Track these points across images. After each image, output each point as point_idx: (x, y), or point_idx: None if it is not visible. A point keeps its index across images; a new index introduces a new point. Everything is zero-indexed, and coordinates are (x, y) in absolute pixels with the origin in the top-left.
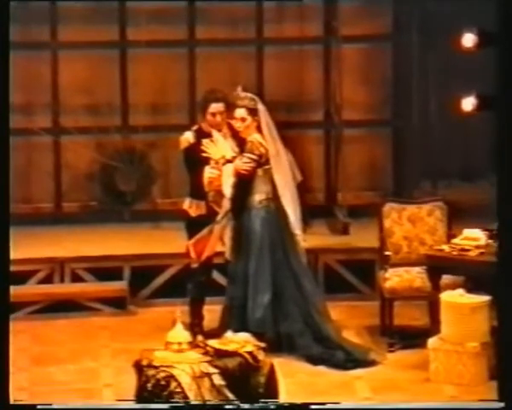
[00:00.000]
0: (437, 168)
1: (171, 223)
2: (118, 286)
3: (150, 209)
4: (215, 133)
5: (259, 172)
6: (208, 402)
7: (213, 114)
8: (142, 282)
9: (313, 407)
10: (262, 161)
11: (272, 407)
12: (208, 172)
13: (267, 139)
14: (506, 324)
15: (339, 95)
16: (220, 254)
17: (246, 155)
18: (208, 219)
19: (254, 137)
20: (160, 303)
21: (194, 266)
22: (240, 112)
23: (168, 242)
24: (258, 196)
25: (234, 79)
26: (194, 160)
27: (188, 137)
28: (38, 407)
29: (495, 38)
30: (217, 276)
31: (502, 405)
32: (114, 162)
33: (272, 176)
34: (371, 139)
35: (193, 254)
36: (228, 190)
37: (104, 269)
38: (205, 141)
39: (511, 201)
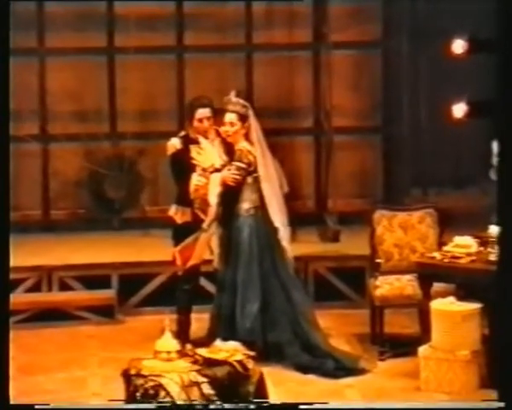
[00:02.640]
0: (428, 175)
1: (160, 231)
2: (106, 294)
3: (139, 217)
4: (202, 140)
5: (248, 179)
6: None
7: (200, 120)
8: (130, 290)
9: (302, 407)
10: (251, 169)
11: (252, 406)
12: (195, 180)
13: (256, 147)
14: (506, 324)
15: (329, 101)
16: (209, 262)
17: (234, 163)
18: (194, 226)
19: (243, 145)
20: (148, 312)
21: (180, 273)
22: (230, 117)
23: (157, 249)
24: (246, 204)
25: (223, 85)
26: (181, 166)
27: (174, 143)
28: (36, 407)
29: (485, 45)
30: (206, 284)
31: (502, 405)
32: (103, 169)
33: (260, 184)
34: (361, 146)
35: (178, 262)
36: (213, 199)
37: (92, 277)
38: (193, 149)
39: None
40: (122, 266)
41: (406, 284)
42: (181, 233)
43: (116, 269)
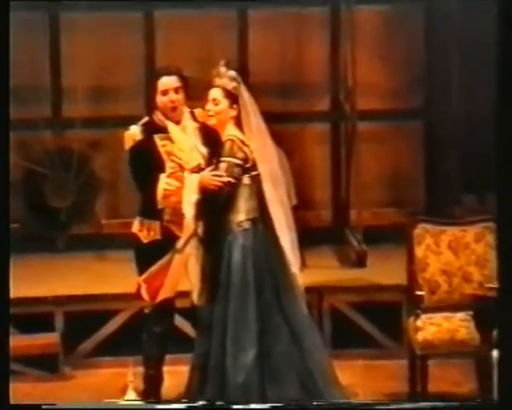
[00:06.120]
0: (485, 176)
1: (121, 252)
2: (47, 339)
3: (92, 233)
4: (171, 126)
5: (244, 180)
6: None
7: (165, 92)
8: (80, 334)
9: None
10: (247, 166)
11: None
12: (164, 183)
13: (254, 137)
14: (506, 323)
15: (351, 76)
16: (186, 294)
17: (225, 159)
18: (165, 245)
19: (233, 133)
20: (105, 363)
21: (148, 310)
22: (214, 92)
23: (116, 278)
24: (240, 215)
25: (206, 53)
26: (143, 164)
27: (133, 132)
28: (43, 407)
29: None
30: (183, 324)
31: (502, 405)
32: (43, 168)
33: (261, 187)
34: (395, 136)
35: (145, 295)
36: (189, 210)
37: (29, 316)
38: (160, 139)
39: None
40: (69, 301)
41: (458, 326)
42: (148, 255)
43: (61, 305)
